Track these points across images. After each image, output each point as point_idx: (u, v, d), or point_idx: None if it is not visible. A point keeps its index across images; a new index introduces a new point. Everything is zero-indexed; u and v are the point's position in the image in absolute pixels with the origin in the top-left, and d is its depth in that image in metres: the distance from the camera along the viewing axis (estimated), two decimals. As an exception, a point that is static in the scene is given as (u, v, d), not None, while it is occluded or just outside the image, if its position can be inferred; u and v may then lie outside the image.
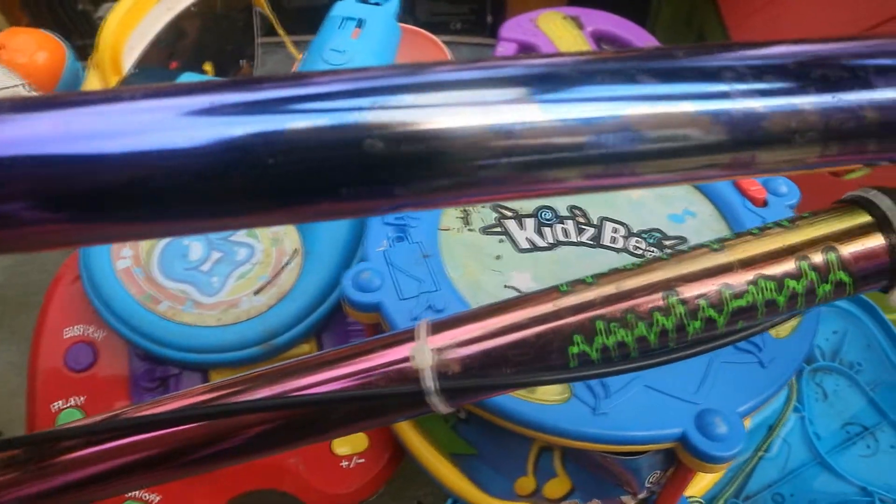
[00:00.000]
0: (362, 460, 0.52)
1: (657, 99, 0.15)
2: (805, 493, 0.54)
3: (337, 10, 0.59)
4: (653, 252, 0.41)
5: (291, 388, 0.21)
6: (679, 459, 0.33)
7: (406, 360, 0.20)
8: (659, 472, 0.36)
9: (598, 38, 0.71)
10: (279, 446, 0.22)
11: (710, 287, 0.20)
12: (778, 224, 0.22)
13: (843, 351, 0.61)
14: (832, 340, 0.62)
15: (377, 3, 0.56)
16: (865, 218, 0.20)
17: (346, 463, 0.52)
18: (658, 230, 0.43)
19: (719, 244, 0.21)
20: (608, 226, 0.42)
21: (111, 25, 0.56)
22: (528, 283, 0.38)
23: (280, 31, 0.69)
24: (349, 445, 0.52)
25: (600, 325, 0.20)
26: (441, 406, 0.20)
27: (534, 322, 0.20)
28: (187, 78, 0.67)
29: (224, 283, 0.49)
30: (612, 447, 0.32)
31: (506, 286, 0.37)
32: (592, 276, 0.22)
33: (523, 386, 0.21)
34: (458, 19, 0.99)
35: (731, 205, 0.45)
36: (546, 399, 0.33)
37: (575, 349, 0.20)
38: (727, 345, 0.21)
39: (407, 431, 0.45)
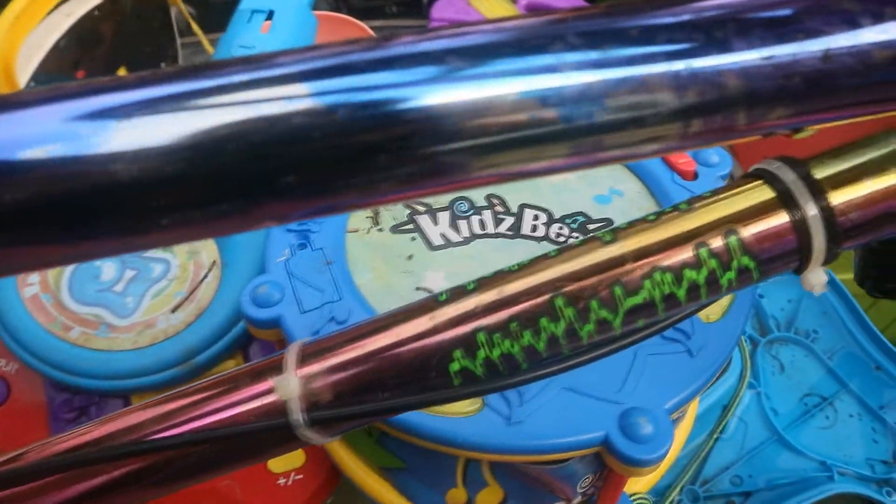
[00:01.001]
0: (300, 476, 0.49)
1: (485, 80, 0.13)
2: (764, 473, 0.51)
3: (245, 3, 0.55)
4: (576, 237, 0.37)
5: (151, 430, 0.19)
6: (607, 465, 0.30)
7: (271, 391, 0.19)
8: (591, 475, 0.32)
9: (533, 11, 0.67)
10: (141, 495, 0.20)
11: (600, 285, 0.18)
12: (675, 208, 0.19)
13: (799, 320, 0.59)
14: (787, 310, 0.60)
15: None
16: (768, 194, 0.18)
17: (284, 480, 0.49)
18: (582, 213, 0.39)
19: (612, 234, 0.19)
20: (528, 213, 0.39)
21: (-3, 35, 0.51)
22: (440, 283, 0.35)
23: (195, 27, 0.64)
24: (284, 461, 0.49)
25: (481, 337, 0.18)
26: (315, 437, 0.19)
27: (410, 340, 0.18)
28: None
29: (139, 303, 0.46)
30: (531, 457, 0.29)
31: (417, 288, 0.34)
32: (474, 282, 0.19)
33: (403, 410, 0.19)
34: (394, 2, 0.94)
35: (660, 181, 0.41)
36: (455, 412, 0.29)
37: (456, 366, 0.18)
38: (633, 345, 0.19)
39: (334, 446, 0.42)
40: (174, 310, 0.47)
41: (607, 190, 0.42)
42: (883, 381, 0.55)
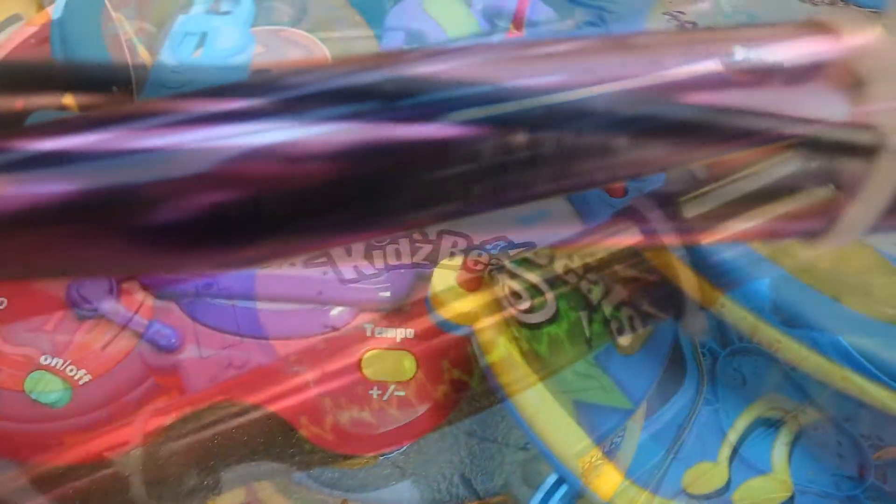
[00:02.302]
0: (402, 393, 0.37)
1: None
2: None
3: (178, 26, 0.44)
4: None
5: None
6: None
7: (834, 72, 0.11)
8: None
9: (491, 14, 0.59)
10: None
11: None
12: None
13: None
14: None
15: (227, 12, 0.43)
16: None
17: (378, 392, 0.37)
18: (504, 238, 0.33)
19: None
20: (447, 240, 0.32)
21: None
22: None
23: (142, 50, 0.50)
24: (387, 369, 0.37)
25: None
26: (876, 202, 0.11)
27: None
28: (40, 118, 0.47)
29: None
30: None
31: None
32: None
33: None
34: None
35: (587, 198, 0.37)
36: (877, 313, 0.21)
37: None
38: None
39: (504, 355, 0.31)
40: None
41: (531, 210, 0.36)
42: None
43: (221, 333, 0.37)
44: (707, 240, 0.14)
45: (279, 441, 0.40)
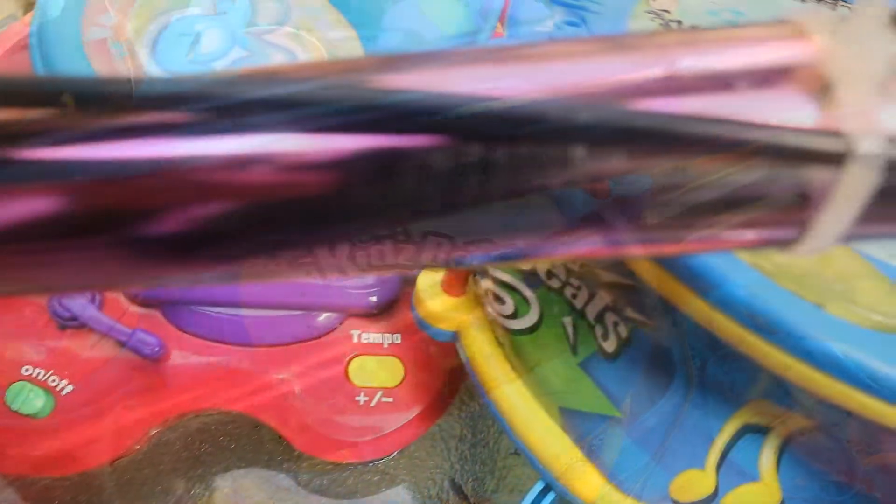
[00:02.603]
0: (389, 400, 0.37)
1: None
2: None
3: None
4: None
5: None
6: None
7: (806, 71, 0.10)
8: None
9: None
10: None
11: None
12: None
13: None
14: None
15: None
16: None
17: (365, 398, 0.36)
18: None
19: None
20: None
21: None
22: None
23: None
24: (374, 375, 0.37)
25: None
26: (844, 215, 0.10)
27: None
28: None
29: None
30: None
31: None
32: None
33: None
34: None
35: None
36: (860, 320, 0.21)
37: None
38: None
39: (488, 361, 0.31)
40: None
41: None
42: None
43: (207, 341, 0.36)
44: (672, 250, 0.13)
45: (266, 448, 0.39)
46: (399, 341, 0.37)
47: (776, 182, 0.11)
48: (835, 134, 0.10)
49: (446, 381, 0.37)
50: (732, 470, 0.25)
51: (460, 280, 0.31)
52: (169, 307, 0.35)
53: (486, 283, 0.29)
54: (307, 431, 0.36)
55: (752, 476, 0.24)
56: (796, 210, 0.11)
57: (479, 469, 0.40)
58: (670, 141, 0.10)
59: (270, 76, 0.11)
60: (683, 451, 0.25)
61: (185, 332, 0.35)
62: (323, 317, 0.37)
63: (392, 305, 0.38)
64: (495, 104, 0.10)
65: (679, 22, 0.30)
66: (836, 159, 0.10)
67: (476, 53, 0.12)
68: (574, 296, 0.26)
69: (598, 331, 0.26)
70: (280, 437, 0.36)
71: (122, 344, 0.34)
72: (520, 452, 0.28)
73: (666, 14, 0.30)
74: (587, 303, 0.25)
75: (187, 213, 0.10)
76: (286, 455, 0.39)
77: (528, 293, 0.27)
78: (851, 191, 0.10)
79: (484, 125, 0.10)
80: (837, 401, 0.19)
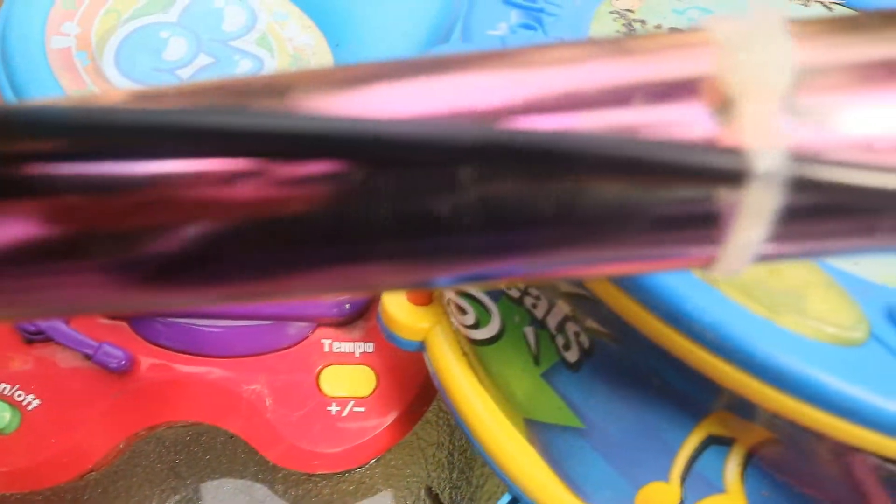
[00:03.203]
0: (361, 409, 0.36)
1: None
2: None
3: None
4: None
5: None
6: None
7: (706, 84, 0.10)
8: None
9: None
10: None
11: None
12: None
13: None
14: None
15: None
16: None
17: (337, 408, 0.36)
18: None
19: None
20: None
21: None
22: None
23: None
24: (346, 384, 0.36)
25: None
26: (753, 236, 0.10)
27: None
28: None
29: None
30: None
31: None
32: None
33: None
34: None
35: None
36: (815, 332, 0.20)
37: None
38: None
39: (453, 372, 0.30)
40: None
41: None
42: None
43: (176, 353, 0.36)
44: (584, 273, 0.13)
45: (241, 459, 0.39)
46: (371, 350, 0.36)
47: (679, 202, 0.10)
48: (734, 151, 0.10)
49: (420, 390, 0.36)
50: (698, 482, 0.24)
51: (426, 290, 0.30)
52: (137, 319, 0.35)
53: (448, 294, 0.28)
54: (279, 442, 0.35)
55: (717, 488, 0.24)
56: (706, 231, 0.11)
57: (457, 477, 0.39)
58: (561, 161, 0.09)
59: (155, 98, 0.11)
60: (648, 463, 0.24)
61: (154, 344, 0.35)
62: (293, 326, 0.36)
63: (364, 314, 0.37)
64: (376, 126, 0.09)
65: (643, 22, 0.29)
66: (736, 178, 0.10)
67: (378, 69, 0.11)
68: (534, 306, 0.25)
69: (560, 341, 0.25)
70: (252, 448, 0.35)
71: (88, 357, 0.33)
72: (493, 462, 0.27)
73: (629, 14, 0.29)
74: (547, 313, 0.25)
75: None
76: (261, 466, 0.38)
77: (489, 303, 0.26)
78: (756, 210, 0.10)
79: (367, 148, 0.09)
80: (790, 416, 0.18)
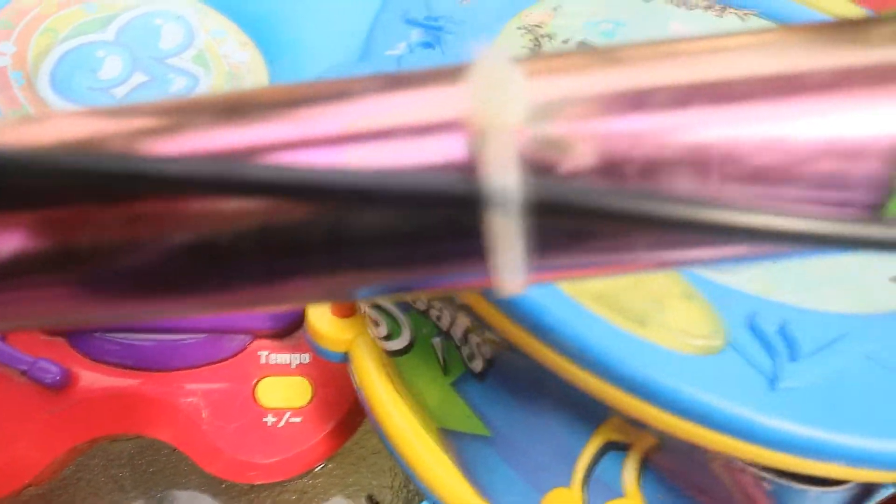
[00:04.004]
0: (298, 419, 0.36)
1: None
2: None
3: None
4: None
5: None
6: None
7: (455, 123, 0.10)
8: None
9: None
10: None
11: None
12: None
13: None
14: None
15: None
16: None
17: (273, 419, 0.36)
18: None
19: None
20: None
21: None
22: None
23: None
24: (279, 395, 0.37)
25: None
26: (510, 256, 0.10)
27: (832, 80, 0.10)
28: None
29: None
30: (791, 459, 0.19)
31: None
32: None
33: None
34: None
35: None
36: (675, 343, 0.20)
37: None
38: None
39: (373, 382, 0.31)
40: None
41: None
42: None
43: (114, 367, 0.36)
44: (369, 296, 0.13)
45: (184, 471, 0.39)
46: (307, 361, 0.37)
47: (438, 229, 0.11)
48: (477, 180, 0.10)
49: (356, 399, 0.36)
50: (598, 486, 0.25)
51: (348, 303, 0.30)
52: (75, 335, 0.35)
53: (364, 306, 0.29)
54: (216, 454, 0.36)
55: (617, 492, 0.24)
56: (471, 254, 0.11)
57: (398, 484, 0.40)
58: (318, 194, 0.10)
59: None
60: (550, 469, 0.25)
61: (92, 358, 0.35)
62: (230, 339, 0.37)
63: (301, 325, 0.38)
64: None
65: (551, 37, 0.30)
66: (479, 204, 0.10)
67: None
68: (439, 318, 0.26)
69: (465, 351, 0.26)
70: (189, 460, 0.36)
71: (24, 373, 0.34)
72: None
73: (538, 29, 0.30)
74: (451, 325, 0.25)
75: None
76: (205, 478, 0.39)
77: (399, 315, 0.27)
78: (505, 236, 0.10)
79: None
80: (653, 424, 0.19)
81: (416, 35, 0.25)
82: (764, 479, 0.20)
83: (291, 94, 0.12)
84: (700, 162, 0.11)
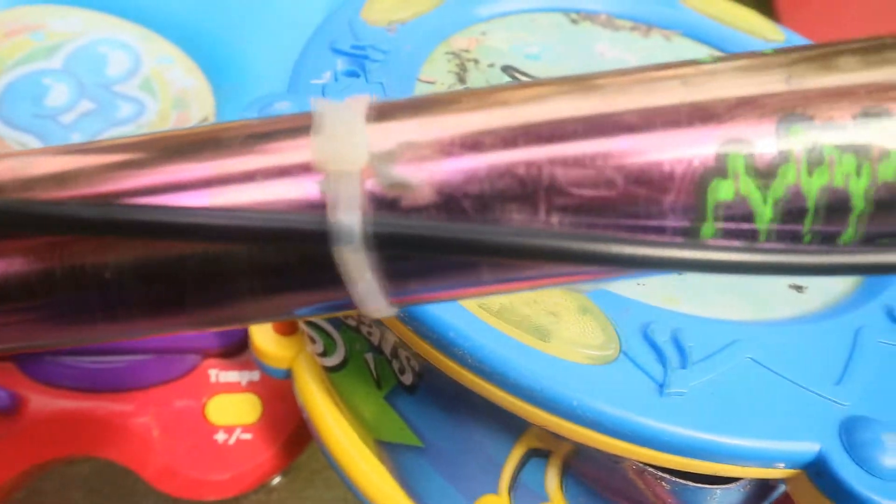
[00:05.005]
0: (248, 436, 0.37)
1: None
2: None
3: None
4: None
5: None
6: (791, 502, 0.21)
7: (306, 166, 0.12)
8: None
9: None
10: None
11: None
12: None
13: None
14: None
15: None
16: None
17: (224, 436, 0.37)
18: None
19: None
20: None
21: None
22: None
23: None
24: (229, 412, 0.37)
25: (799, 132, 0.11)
26: (369, 285, 0.12)
27: (639, 119, 0.11)
28: None
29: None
30: (681, 460, 0.20)
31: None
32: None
33: (601, 262, 0.11)
34: None
35: None
36: (572, 355, 0.22)
37: (726, 191, 0.11)
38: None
39: (314, 397, 0.32)
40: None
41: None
42: None
43: (64, 390, 0.37)
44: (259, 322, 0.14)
45: (140, 491, 0.40)
46: (257, 378, 0.38)
47: (306, 264, 0.12)
48: (324, 217, 0.11)
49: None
50: (524, 492, 0.26)
51: (289, 321, 0.32)
52: (24, 359, 0.36)
53: (301, 324, 0.30)
54: (169, 473, 0.36)
55: (541, 497, 0.26)
56: (339, 285, 0.12)
57: (350, 495, 0.41)
58: (177, 233, 0.11)
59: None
60: (479, 477, 0.26)
61: (42, 382, 0.36)
62: (180, 359, 0.37)
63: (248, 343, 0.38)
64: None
65: (476, 61, 0.31)
66: (328, 239, 0.11)
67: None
68: (370, 333, 0.27)
69: (396, 365, 0.27)
70: (142, 479, 0.36)
71: (-30, 398, 0.34)
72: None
73: (465, 53, 0.31)
74: (381, 339, 0.27)
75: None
76: (160, 498, 0.39)
77: (333, 332, 0.28)
78: (355, 267, 0.12)
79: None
80: (560, 433, 0.20)
81: (341, 64, 0.27)
82: (662, 479, 0.21)
83: (167, 141, 0.13)
84: (527, 195, 0.12)
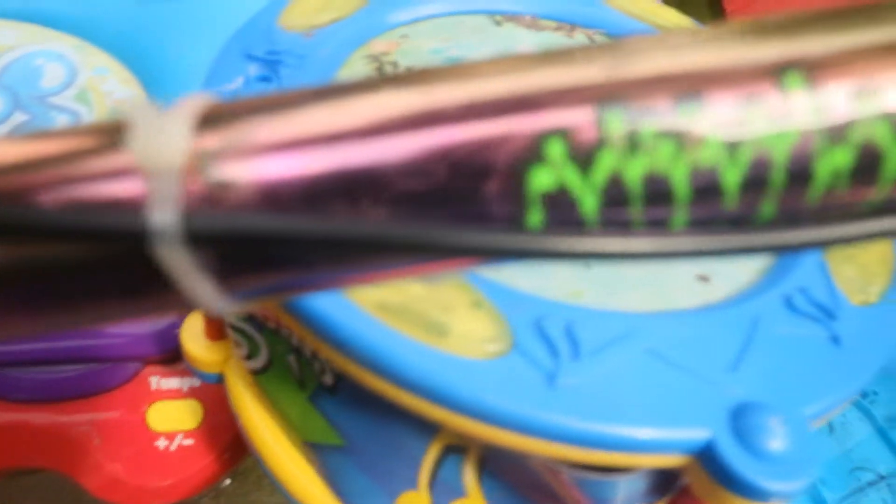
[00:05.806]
0: (189, 441, 0.37)
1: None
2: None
3: None
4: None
5: None
6: (689, 489, 0.21)
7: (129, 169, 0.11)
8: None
9: None
10: None
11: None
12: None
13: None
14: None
15: None
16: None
17: (166, 443, 0.36)
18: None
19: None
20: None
21: None
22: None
23: None
24: (170, 419, 0.37)
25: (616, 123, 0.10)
26: (195, 280, 0.11)
27: (452, 114, 0.11)
28: None
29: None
30: (574, 451, 0.20)
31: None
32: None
33: (413, 250, 0.12)
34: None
35: None
36: (463, 350, 0.21)
37: (544, 179, 0.11)
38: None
39: (243, 401, 0.31)
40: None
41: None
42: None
43: (3, 402, 0.36)
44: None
45: (87, 500, 0.39)
46: (198, 384, 0.37)
47: (133, 263, 0.12)
48: (143, 218, 0.11)
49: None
50: (443, 488, 0.25)
51: (217, 325, 0.31)
52: (-41, 372, 0.35)
53: (228, 328, 0.29)
54: (111, 481, 0.36)
55: (459, 492, 0.25)
56: (161, 286, 0.12)
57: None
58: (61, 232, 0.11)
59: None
60: (399, 474, 0.26)
61: (-21, 395, 0.35)
62: (119, 367, 0.37)
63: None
64: None
65: (395, 63, 0.31)
66: (146, 238, 0.11)
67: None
68: (290, 335, 0.27)
69: (316, 366, 0.27)
70: (84, 489, 0.36)
71: None
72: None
73: (384, 57, 0.31)
74: (300, 341, 0.26)
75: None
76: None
77: (255, 335, 0.28)
78: (178, 265, 0.11)
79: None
80: (455, 429, 0.20)
81: (254, 69, 0.26)
82: (560, 471, 0.21)
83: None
84: (351, 190, 0.12)
